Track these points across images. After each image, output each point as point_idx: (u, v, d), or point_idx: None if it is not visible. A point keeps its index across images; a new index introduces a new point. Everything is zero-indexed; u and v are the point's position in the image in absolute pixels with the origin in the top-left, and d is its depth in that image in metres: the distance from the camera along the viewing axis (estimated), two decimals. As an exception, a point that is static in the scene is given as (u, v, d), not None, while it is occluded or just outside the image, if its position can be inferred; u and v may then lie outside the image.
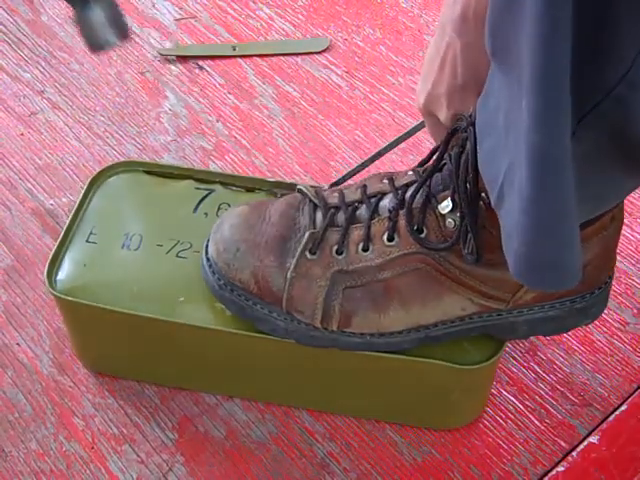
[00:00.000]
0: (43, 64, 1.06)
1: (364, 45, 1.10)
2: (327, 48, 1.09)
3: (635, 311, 0.82)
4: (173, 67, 1.07)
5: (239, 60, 1.08)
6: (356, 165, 0.77)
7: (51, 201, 0.91)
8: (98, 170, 0.78)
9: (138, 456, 0.71)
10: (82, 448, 0.72)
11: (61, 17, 1.13)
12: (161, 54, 1.07)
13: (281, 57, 1.08)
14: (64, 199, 0.91)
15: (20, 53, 1.08)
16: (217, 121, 1.00)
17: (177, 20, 1.13)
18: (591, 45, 0.45)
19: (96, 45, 0.68)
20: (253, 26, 1.12)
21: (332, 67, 1.07)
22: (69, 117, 1.00)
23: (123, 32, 0.68)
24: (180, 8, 1.15)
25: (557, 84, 0.44)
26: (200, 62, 1.07)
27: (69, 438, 0.72)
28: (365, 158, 0.77)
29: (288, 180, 0.86)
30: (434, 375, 0.68)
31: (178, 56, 1.07)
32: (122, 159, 0.94)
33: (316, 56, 1.08)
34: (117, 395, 0.75)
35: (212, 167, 0.94)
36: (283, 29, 1.12)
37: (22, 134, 0.98)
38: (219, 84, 1.04)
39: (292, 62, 1.08)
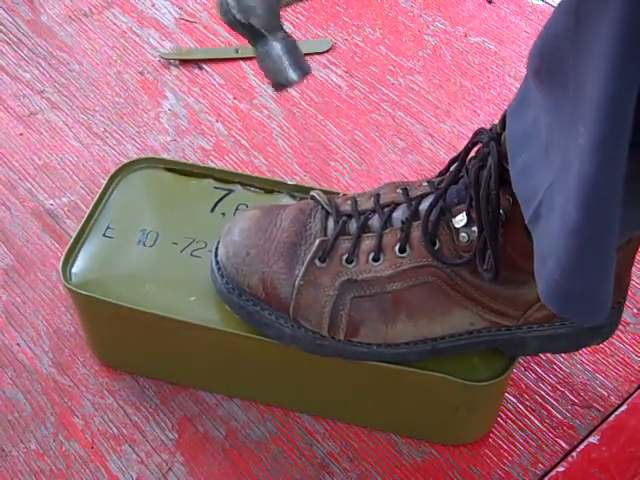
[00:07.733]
0: (43, 64, 1.06)
1: (364, 45, 1.10)
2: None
3: (635, 311, 0.82)
4: (173, 67, 1.06)
5: (239, 60, 1.08)
6: None
7: (51, 201, 0.91)
8: (119, 165, 0.78)
9: (138, 456, 0.71)
10: (82, 448, 0.72)
11: (61, 17, 1.13)
12: (163, 58, 1.07)
13: (281, 57, 1.08)
14: (64, 199, 0.91)
15: (20, 53, 1.08)
16: (217, 121, 1.00)
17: (177, 20, 1.13)
18: None
19: (277, 83, 0.64)
20: (253, 26, 1.12)
21: (332, 67, 1.07)
22: (69, 117, 1.00)
23: (303, 70, 0.65)
24: (180, 8, 1.15)
25: (625, 120, 0.43)
26: (200, 62, 1.07)
27: (69, 438, 0.72)
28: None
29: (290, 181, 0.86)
30: (441, 389, 0.67)
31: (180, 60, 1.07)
32: (122, 159, 0.94)
33: (316, 56, 1.08)
34: (117, 395, 0.75)
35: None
36: (283, 29, 1.12)
37: (22, 134, 0.98)
38: (219, 84, 1.04)
39: (292, 62, 1.07)
